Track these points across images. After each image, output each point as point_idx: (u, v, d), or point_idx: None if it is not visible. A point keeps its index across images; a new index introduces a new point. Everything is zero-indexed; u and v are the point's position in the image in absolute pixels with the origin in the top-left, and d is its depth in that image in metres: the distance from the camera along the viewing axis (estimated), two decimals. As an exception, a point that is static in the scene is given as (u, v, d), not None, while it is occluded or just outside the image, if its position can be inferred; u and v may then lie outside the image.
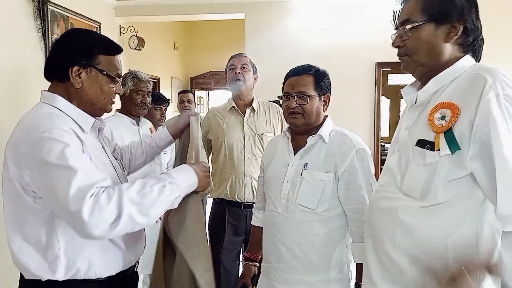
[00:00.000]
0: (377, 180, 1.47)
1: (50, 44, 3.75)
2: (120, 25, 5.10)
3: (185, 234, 1.33)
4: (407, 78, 6.39)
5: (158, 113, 3.18)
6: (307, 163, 1.63)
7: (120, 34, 5.11)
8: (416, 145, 1.18)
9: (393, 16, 1.31)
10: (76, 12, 4.13)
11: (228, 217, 2.47)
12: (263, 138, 2.46)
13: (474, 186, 1.11)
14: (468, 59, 1.20)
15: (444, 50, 1.20)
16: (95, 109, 1.38)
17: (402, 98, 5.21)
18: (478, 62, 1.23)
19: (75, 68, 1.31)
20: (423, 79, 1.27)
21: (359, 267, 1.58)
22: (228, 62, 2.55)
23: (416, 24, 1.20)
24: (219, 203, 2.54)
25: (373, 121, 4.72)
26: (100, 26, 4.56)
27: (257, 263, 1.85)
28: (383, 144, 6.44)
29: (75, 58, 1.31)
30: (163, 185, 1.22)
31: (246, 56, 2.56)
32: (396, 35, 1.28)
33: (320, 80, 1.64)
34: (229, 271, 2.47)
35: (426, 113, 1.18)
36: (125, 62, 5.44)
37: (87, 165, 1.19)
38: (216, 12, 4.89)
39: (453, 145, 1.09)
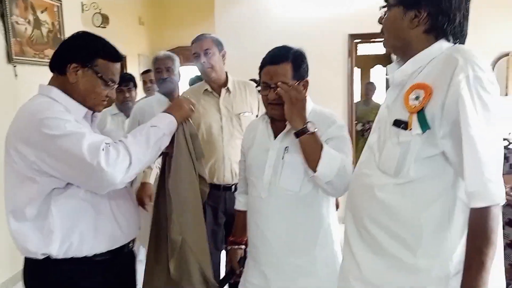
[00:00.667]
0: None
1: (9, 25, 3.54)
2: (82, 2, 4.85)
3: (178, 197, 1.58)
4: (376, 48, 6.46)
5: (121, 95, 3.00)
6: (287, 146, 1.60)
7: (82, 12, 4.87)
8: (393, 124, 1.23)
9: None
10: (34, -10, 3.90)
11: (207, 199, 2.42)
12: (241, 118, 2.40)
13: (446, 164, 1.16)
14: (444, 43, 1.22)
15: (408, 35, 1.24)
16: (85, 106, 1.48)
17: (372, 67, 5.27)
18: (462, 44, 1.25)
19: (74, 65, 1.43)
20: (399, 57, 1.31)
21: None
22: (192, 47, 2.43)
23: (388, 5, 1.25)
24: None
25: (346, 92, 4.73)
26: (61, 4, 4.32)
27: (242, 246, 1.83)
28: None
29: (76, 56, 1.44)
30: (147, 131, 1.44)
31: (207, 37, 2.41)
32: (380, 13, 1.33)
33: (299, 66, 1.59)
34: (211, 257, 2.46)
35: (403, 93, 1.22)
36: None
37: (88, 130, 1.38)
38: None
39: (424, 125, 1.14)
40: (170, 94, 2.83)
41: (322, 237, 1.63)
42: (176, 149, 1.58)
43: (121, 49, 5.31)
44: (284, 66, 1.57)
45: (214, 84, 2.43)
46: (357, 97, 7.06)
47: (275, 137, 1.65)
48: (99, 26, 4.94)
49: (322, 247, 1.63)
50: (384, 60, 8.22)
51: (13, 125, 1.40)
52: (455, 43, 1.23)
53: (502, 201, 1.08)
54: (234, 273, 1.83)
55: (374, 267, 1.27)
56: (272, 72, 1.58)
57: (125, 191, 1.56)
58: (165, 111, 1.56)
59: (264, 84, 1.61)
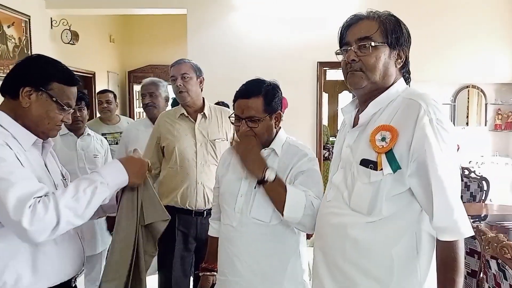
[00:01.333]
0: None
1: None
2: (51, 18, 4.78)
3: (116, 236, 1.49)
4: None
5: (72, 114, 2.88)
6: None
7: (51, 28, 4.79)
8: (360, 164, 1.26)
9: (344, 27, 1.34)
10: (2, 5, 3.82)
11: (178, 225, 2.39)
12: (216, 144, 2.40)
13: (412, 199, 1.22)
14: (401, 83, 1.32)
15: (392, 72, 1.30)
16: (38, 132, 1.41)
17: (340, 92, 5.38)
18: (409, 85, 1.36)
19: (27, 88, 1.37)
20: (364, 98, 1.34)
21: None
22: (170, 70, 2.45)
23: (376, 44, 1.27)
24: (168, 211, 2.46)
25: (315, 116, 4.82)
26: (29, 19, 4.25)
27: (215, 273, 1.82)
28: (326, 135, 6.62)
29: (29, 80, 1.38)
30: (95, 187, 1.32)
31: (186, 62, 2.43)
32: (350, 49, 1.30)
33: (270, 100, 1.62)
34: (179, 283, 2.41)
35: (367, 133, 1.27)
36: (57, 57, 5.10)
37: (23, 175, 1.26)
38: (156, 7, 4.74)
39: (394, 164, 1.19)
40: (154, 118, 2.86)
41: (292, 267, 1.63)
42: (119, 211, 1.50)
43: (90, 66, 5.25)
44: (255, 101, 1.60)
45: (190, 109, 2.43)
46: (324, 121, 7.21)
47: None
48: (68, 43, 4.87)
49: (291, 278, 1.63)
50: (352, 86, 8.46)
51: None
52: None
53: (470, 233, 1.17)
54: None
55: None
56: (243, 105, 1.61)
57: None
58: (124, 165, 1.42)
59: (236, 117, 1.65)
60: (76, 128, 2.85)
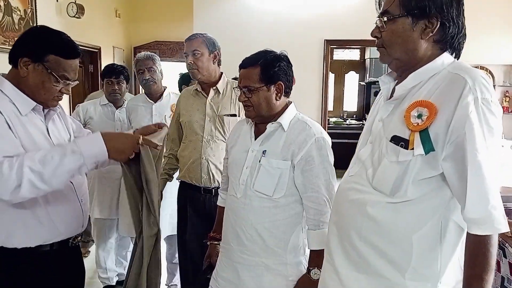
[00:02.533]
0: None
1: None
2: (56, -10, 4.74)
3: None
4: (351, 54, 6.57)
5: (109, 87, 3.04)
6: (265, 150, 1.63)
7: (57, 1, 4.75)
8: (390, 140, 1.17)
9: (378, 3, 1.27)
10: (6, -25, 3.79)
11: (189, 201, 2.42)
12: (224, 119, 2.37)
13: (443, 185, 1.11)
14: (447, 56, 1.18)
15: (418, 46, 1.17)
16: (36, 100, 1.46)
17: (346, 73, 5.31)
18: (458, 59, 1.21)
19: (25, 59, 1.42)
20: (399, 71, 1.25)
21: (312, 253, 1.63)
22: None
23: (392, 17, 1.18)
24: (181, 186, 2.50)
25: (321, 97, 4.79)
26: (34, -9, 4.22)
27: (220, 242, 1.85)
28: (329, 118, 6.59)
29: (27, 50, 1.42)
30: (63, 154, 1.31)
31: (198, 37, 2.37)
32: (375, 24, 1.24)
33: (268, 69, 1.60)
34: (196, 262, 2.36)
35: (402, 108, 1.16)
36: (62, 30, 5.08)
37: (1, 138, 1.31)
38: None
39: (428, 145, 1.08)
40: (154, 94, 2.91)
41: (294, 241, 1.65)
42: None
43: (96, 41, 5.22)
44: (251, 70, 1.60)
45: (204, 85, 2.41)
46: (330, 101, 7.17)
47: (256, 139, 1.68)
48: (73, 16, 4.83)
49: (293, 251, 1.66)
50: (358, 66, 8.38)
51: None
52: (455, 56, 1.20)
53: (506, 229, 1.05)
54: (213, 268, 1.84)
55: (358, 286, 1.23)
56: (241, 75, 1.64)
57: (68, 189, 1.51)
58: (104, 137, 1.39)
59: (238, 87, 1.67)
60: (114, 100, 3.06)
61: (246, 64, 1.64)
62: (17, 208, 1.39)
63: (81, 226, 1.59)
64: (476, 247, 1.05)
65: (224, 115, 2.38)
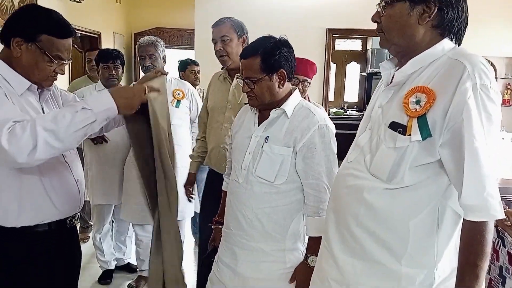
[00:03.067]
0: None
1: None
2: (57, -26, 4.69)
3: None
4: (353, 44, 6.55)
5: (106, 72, 3.00)
6: (268, 136, 1.62)
7: (57, -16, 4.70)
8: (388, 127, 1.16)
9: None
10: (6, -43, 3.74)
11: (214, 185, 2.32)
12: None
13: (440, 172, 1.11)
14: (447, 42, 1.16)
15: (416, 31, 1.16)
16: (30, 81, 1.45)
17: (348, 63, 5.28)
18: (459, 45, 1.19)
19: (17, 39, 1.40)
20: (398, 57, 1.24)
21: (310, 240, 1.64)
22: (212, 32, 2.34)
23: (390, 1, 1.16)
24: (208, 172, 2.49)
25: (322, 87, 4.77)
26: (34, -26, 4.17)
27: None
28: (330, 108, 6.58)
29: (20, 31, 1.40)
30: (75, 111, 1.31)
31: (226, 22, 2.28)
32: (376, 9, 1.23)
33: (269, 58, 1.58)
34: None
35: (401, 94, 1.16)
36: (62, 15, 5.03)
37: (5, 106, 1.31)
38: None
39: (425, 131, 1.08)
40: None
41: (294, 227, 1.65)
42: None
43: (96, 26, 5.17)
44: (252, 60, 1.58)
45: (232, 71, 2.33)
46: (331, 92, 7.15)
47: (260, 125, 1.68)
48: (74, 0, 4.78)
49: (292, 238, 1.66)
50: (359, 57, 8.34)
51: None
52: (455, 42, 1.18)
53: (502, 216, 1.05)
54: (216, 252, 1.85)
55: (354, 271, 1.23)
56: (242, 66, 1.63)
57: (63, 168, 1.54)
58: (110, 93, 1.41)
59: (241, 77, 1.65)
60: (111, 86, 2.92)
61: (246, 54, 1.62)
62: (15, 186, 1.40)
63: (78, 206, 1.60)
64: (472, 234, 1.05)
65: (245, 103, 2.34)
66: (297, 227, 1.67)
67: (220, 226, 1.86)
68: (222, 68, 2.45)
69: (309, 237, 1.65)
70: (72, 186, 1.57)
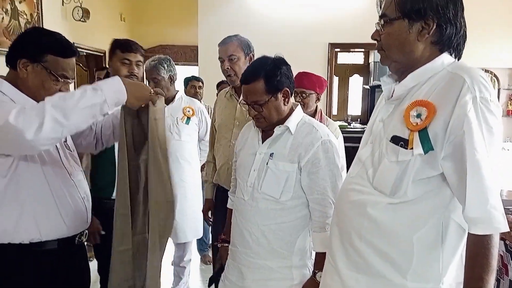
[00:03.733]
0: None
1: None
2: (62, -5, 4.77)
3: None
4: (355, 57, 6.58)
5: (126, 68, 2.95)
6: (273, 153, 1.63)
7: (63, 5, 4.77)
8: (390, 140, 1.17)
9: (379, 6, 1.27)
10: (13, -20, 3.82)
11: (222, 203, 2.29)
12: None
13: (442, 185, 1.12)
14: (446, 57, 1.18)
15: (415, 47, 1.18)
16: (37, 101, 1.45)
17: (351, 76, 5.31)
18: (459, 59, 1.21)
19: (23, 60, 1.44)
20: (399, 73, 1.26)
21: (318, 256, 1.63)
22: (218, 50, 2.33)
23: (389, 20, 1.19)
24: (217, 189, 2.45)
25: (325, 100, 4.79)
26: (40, -5, 4.25)
27: None
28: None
29: (25, 52, 1.45)
30: (84, 90, 1.33)
31: (233, 41, 2.27)
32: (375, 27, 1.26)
33: (272, 79, 1.59)
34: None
35: (402, 108, 1.17)
36: (68, 35, 5.12)
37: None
38: (167, -15, 4.71)
39: (427, 145, 1.09)
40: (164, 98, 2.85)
41: (300, 244, 1.65)
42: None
43: (101, 44, 5.24)
44: (256, 85, 1.59)
45: (238, 88, 2.30)
46: (334, 105, 7.16)
47: (264, 142, 1.68)
48: (79, 20, 4.86)
49: (298, 254, 1.65)
50: (362, 70, 8.36)
51: None
52: (455, 57, 1.20)
53: (505, 229, 1.04)
54: (223, 270, 1.85)
55: (359, 286, 1.23)
56: (246, 91, 1.63)
57: (70, 185, 1.55)
58: (123, 81, 1.43)
59: (244, 101, 1.66)
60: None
61: (248, 79, 1.62)
62: (25, 201, 1.42)
63: (85, 222, 1.62)
64: (477, 248, 1.04)
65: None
66: (303, 243, 1.66)
67: (226, 244, 1.86)
68: (226, 84, 2.44)
69: (316, 253, 1.64)
70: (79, 203, 1.58)
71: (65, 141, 1.65)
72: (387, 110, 1.25)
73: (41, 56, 1.44)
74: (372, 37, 1.26)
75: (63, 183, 1.52)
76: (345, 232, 1.27)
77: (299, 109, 1.70)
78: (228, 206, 1.94)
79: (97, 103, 1.33)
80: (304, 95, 2.47)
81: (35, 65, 1.44)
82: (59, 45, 1.49)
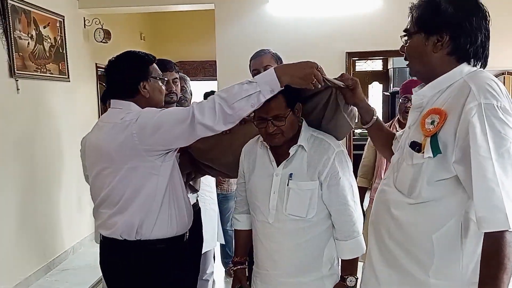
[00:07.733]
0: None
1: (12, 41, 3.59)
2: (84, 18, 4.93)
3: None
4: (374, 64, 6.51)
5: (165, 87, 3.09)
6: (292, 173, 1.62)
7: (84, 27, 4.94)
8: (409, 146, 1.27)
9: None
10: (37, 6, 3.97)
11: None
12: None
13: (459, 187, 1.18)
14: (465, 66, 1.25)
15: (432, 58, 1.27)
16: (158, 107, 1.72)
17: (370, 83, 5.29)
18: (484, 66, 1.28)
19: (143, 82, 1.69)
20: (425, 82, 1.35)
21: (345, 262, 1.66)
22: (250, 62, 2.37)
23: (409, 34, 1.32)
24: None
25: (344, 109, 4.77)
26: (63, 19, 4.40)
27: (246, 265, 1.86)
28: (354, 129, 6.53)
29: (140, 75, 1.69)
30: (241, 83, 1.54)
31: (266, 53, 2.34)
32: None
33: (290, 93, 1.58)
34: None
35: (421, 116, 1.26)
36: (91, 56, 5.29)
37: None
38: (183, 3, 4.80)
39: (435, 149, 1.17)
40: None
41: (327, 254, 1.66)
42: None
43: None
44: (276, 100, 1.56)
45: None
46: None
47: (277, 162, 1.66)
48: (101, 41, 5.00)
49: (328, 264, 1.67)
50: (381, 76, 8.32)
51: (106, 139, 1.63)
52: (476, 65, 1.26)
53: (505, 227, 1.06)
54: None
55: (390, 280, 1.33)
56: (267, 107, 1.57)
57: (181, 189, 1.79)
58: (276, 69, 1.55)
59: (259, 118, 1.60)
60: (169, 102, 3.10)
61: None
62: (178, 197, 1.74)
63: (191, 222, 1.88)
64: (489, 246, 1.09)
65: None
66: (331, 253, 1.68)
67: (240, 266, 1.84)
68: None
69: (343, 260, 1.66)
70: (188, 205, 1.85)
71: None
72: (413, 118, 1.34)
73: (148, 71, 1.70)
74: (400, 50, 1.38)
75: (180, 182, 1.80)
76: (378, 230, 1.39)
77: (304, 124, 1.68)
78: (235, 227, 1.90)
79: (253, 93, 1.52)
80: None
81: (149, 80, 1.69)
82: (147, 55, 1.75)
